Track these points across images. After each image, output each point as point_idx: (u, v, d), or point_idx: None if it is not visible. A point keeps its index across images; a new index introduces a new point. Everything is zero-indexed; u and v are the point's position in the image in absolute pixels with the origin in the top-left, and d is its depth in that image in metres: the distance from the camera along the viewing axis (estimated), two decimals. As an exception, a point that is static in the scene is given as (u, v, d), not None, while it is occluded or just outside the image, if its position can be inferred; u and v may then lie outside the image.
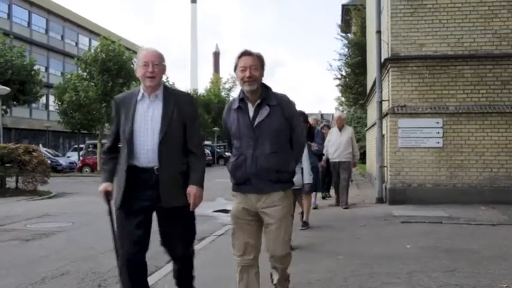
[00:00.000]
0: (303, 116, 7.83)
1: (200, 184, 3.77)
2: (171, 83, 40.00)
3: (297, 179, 5.71)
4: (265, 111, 3.74)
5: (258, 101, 3.76)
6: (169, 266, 4.93)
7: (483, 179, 11.17)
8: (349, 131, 11.70)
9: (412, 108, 11.45)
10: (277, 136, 3.75)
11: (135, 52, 49.15)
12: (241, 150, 3.78)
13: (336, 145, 11.48)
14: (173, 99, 3.81)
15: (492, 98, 11.26)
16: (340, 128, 11.59)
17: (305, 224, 8.40)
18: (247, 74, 3.68)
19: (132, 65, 30.87)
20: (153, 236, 3.85)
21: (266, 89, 3.86)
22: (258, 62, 3.77)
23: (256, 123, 3.73)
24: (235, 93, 56.07)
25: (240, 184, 3.83)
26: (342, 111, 34.87)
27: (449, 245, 6.90)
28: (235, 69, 3.83)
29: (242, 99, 3.82)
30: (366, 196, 13.11)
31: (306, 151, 6.47)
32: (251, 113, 3.77)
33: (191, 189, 3.72)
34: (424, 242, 7.11)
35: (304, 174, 7.10)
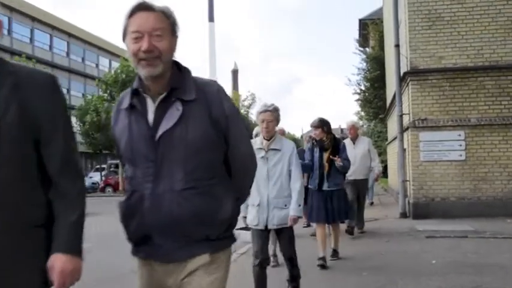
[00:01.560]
0: (326, 125, 7.07)
1: (73, 249, 2.00)
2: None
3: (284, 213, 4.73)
4: (175, 112, 2.11)
5: (164, 94, 2.14)
6: None
7: (508, 191, 11.00)
8: (365, 142, 9.73)
9: (433, 122, 11.36)
10: (199, 157, 2.11)
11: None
12: (134, 184, 2.20)
13: (351, 160, 9.19)
14: (10, 83, 1.90)
15: (515, 108, 11.13)
16: (354, 139, 9.55)
17: (335, 254, 7.29)
18: (144, 45, 2.06)
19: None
20: None
21: (180, 72, 2.22)
22: (165, 23, 2.14)
23: (159, 134, 2.10)
24: (254, 111, 56.39)
25: (139, 245, 2.25)
26: (362, 125, 34.72)
27: (475, 260, 6.78)
28: (124, 38, 2.18)
29: (136, 92, 2.19)
30: (389, 211, 12.97)
31: (299, 169, 4.92)
32: (151, 116, 2.14)
33: (55, 261, 1.92)
34: (449, 257, 7.00)
35: (292, 203, 4.75)
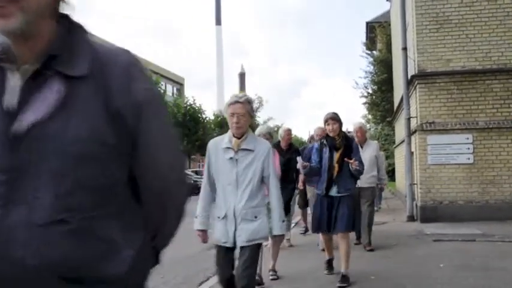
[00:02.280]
0: (341, 121, 6.14)
1: None
2: (198, 104, 40.32)
3: (261, 226, 3.95)
4: (51, 94, 1.25)
5: (35, 66, 1.26)
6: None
7: (516, 194, 10.94)
8: (373, 147, 8.70)
9: (441, 125, 11.32)
10: (81, 170, 1.25)
11: (162, 76, 49.89)
12: None
13: None
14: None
15: (523, 111, 11.09)
16: (362, 143, 8.43)
17: (344, 280, 5.89)
18: None
19: (159, 89, 31.39)
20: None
21: (69, 33, 1.34)
22: None
23: (22, 128, 1.22)
24: (261, 114, 56.39)
25: None
26: (369, 128, 34.57)
27: (483, 264, 6.75)
28: None
29: None
30: (397, 214, 12.94)
31: (276, 183, 4.12)
32: (11, 99, 1.24)
33: None
34: (457, 261, 6.97)
35: (273, 220, 4.13)
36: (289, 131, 8.43)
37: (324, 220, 6.02)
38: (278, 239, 6.09)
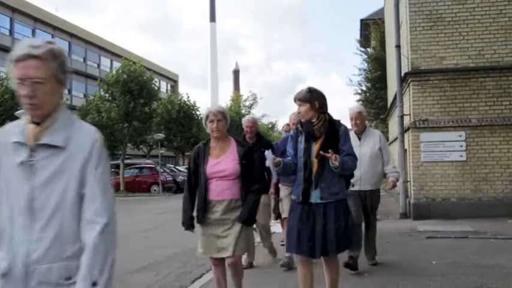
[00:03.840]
0: (318, 99, 4.35)
1: None
2: (192, 101, 40.26)
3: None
4: None
5: None
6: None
7: (509, 191, 10.99)
8: (375, 137, 6.58)
9: (433, 122, 11.36)
10: None
11: (156, 72, 49.76)
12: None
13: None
14: None
15: (516, 109, 11.13)
16: (360, 132, 6.52)
17: None
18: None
19: (153, 85, 31.25)
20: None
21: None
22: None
23: None
24: (255, 111, 56.40)
25: None
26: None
27: (476, 260, 6.78)
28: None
29: None
30: (390, 211, 12.97)
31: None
32: None
33: None
34: (450, 258, 7.00)
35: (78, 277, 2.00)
36: (251, 120, 6.80)
37: (304, 238, 4.22)
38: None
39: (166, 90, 65.38)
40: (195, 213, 4.50)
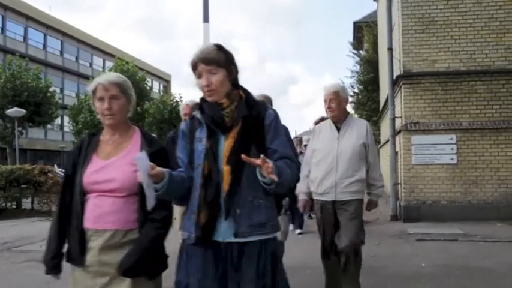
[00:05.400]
0: (227, 64, 2.54)
1: None
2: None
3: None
4: None
5: None
6: None
7: (499, 195, 11.05)
8: (360, 129, 4.73)
9: (425, 125, 11.40)
10: None
11: (148, 72, 49.70)
12: None
13: (328, 162, 4.64)
14: None
15: (506, 113, 11.18)
16: (338, 120, 4.77)
17: None
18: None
19: (145, 85, 31.21)
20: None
21: None
22: None
23: None
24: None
25: None
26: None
27: (465, 263, 6.81)
28: None
29: None
30: (380, 213, 12.99)
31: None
32: None
33: None
34: (439, 260, 7.03)
35: None
36: (188, 106, 5.18)
37: None
38: None
39: (159, 90, 65.26)
40: (66, 248, 2.76)
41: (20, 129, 26.12)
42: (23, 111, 22.72)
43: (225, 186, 2.43)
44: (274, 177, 2.22)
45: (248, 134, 2.49)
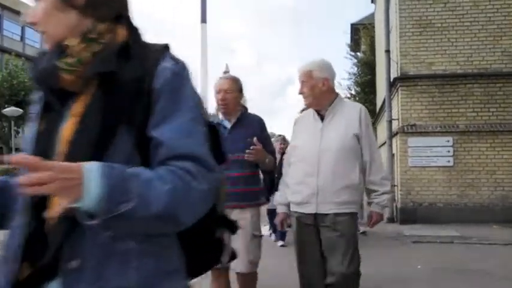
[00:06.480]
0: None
1: None
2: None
3: None
4: None
5: None
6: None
7: (495, 197, 11.07)
8: (351, 115, 3.44)
9: (422, 127, 11.41)
10: None
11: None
12: None
13: (308, 161, 3.39)
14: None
15: (502, 116, 11.21)
16: (322, 109, 3.48)
17: None
18: None
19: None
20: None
21: None
22: None
23: None
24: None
25: None
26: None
27: (461, 265, 6.81)
28: None
29: None
30: (377, 215, 12.99)
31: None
32: None
33: None
34: (436, 263, 7.02)
35: None
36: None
37: None
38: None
39: (156, 90, 65.08)
40: None
41: (15, 128, 26.04)
42: (19, 110, 22.66)
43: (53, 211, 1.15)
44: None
45: (110, 107, 1.20)
